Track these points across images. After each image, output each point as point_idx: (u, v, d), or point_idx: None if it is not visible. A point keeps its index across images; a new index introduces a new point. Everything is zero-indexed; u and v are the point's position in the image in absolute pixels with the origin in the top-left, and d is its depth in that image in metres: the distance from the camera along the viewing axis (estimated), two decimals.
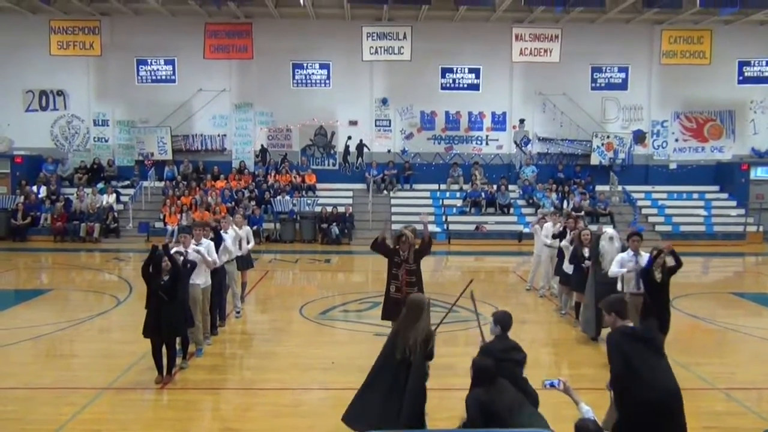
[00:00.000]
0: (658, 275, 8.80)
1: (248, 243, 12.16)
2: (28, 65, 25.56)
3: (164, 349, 8.37)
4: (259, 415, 7.51)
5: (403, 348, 6.09)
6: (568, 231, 12.16)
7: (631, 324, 5.74)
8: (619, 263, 9.42)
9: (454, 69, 26.15)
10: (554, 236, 12.88)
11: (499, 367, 5.51)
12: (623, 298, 6.32)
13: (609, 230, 10.63)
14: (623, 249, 9.89)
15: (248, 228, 12.51)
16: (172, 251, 8.89)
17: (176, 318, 8.31)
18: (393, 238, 9.25)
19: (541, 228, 13.90)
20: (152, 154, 25.81)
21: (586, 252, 10.78)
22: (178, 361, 8.83)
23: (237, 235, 11.64)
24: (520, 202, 25.22)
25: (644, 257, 9.21)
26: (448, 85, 26.25)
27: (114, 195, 24.36)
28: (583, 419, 4.75)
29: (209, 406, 7.88)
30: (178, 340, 8.73)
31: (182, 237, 9.57)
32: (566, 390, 5.36)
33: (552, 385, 5.41)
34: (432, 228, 23.42)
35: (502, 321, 6.27)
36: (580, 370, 9.43)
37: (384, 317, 9.26)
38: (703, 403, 7.99)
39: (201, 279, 9.39)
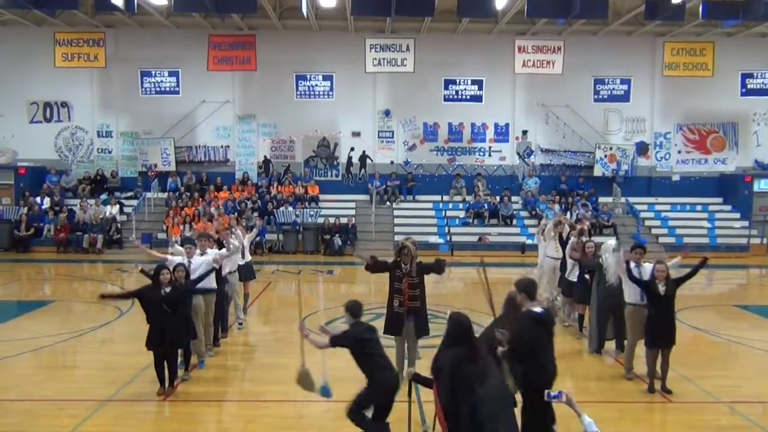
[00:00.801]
0: (662, 288, 8.67)
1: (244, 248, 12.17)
2: (33, 77, 25.69)
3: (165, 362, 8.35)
4: (261, 428, 7.49)
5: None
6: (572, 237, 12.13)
7: (538, 309, 6.27)
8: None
9: (457, 80, 26.22)
10: (562, 242, 12.75)
11: (363, 343, 6.48)
12: (535, 281, 6.86)
13: (611, 242, 10.45)
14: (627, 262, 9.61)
15: (249, 236, 12.56)
16: (174, 261, 8.94)
17: (178, 330, 8.30)
18: (395, 251, 9.11)
19: (560, 233, 13.55)
20: (156, 166, 25.87)
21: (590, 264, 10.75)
22: (180, 372, 8.80)
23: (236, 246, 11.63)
24: (523, 213, 25.19)
25: (646, 269, 9.13)
26: (450, 96, 26.31)
27: (117, 206, 24.40)
28: None
29: (212, 419, 7.85)
30: (180, 351, 8.72)
31: (187, 248, 9.58)
32: (569, 402, 5.34)
33: (554, 397, 5.38)
34: (435, 239, 23.45)
35: (352, 309, 6.86)
36: (584, 382, 9.38)
37: (387, 332, 9.08)
38: (708, 417, 7.95)
39: (207, 283, 9.40)
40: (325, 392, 7.02)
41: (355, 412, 6.54)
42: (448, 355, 5.55)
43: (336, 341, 6.71)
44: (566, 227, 13.58)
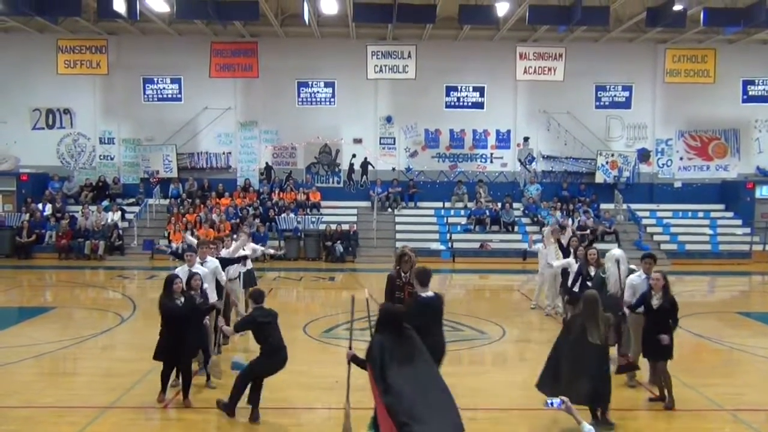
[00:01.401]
0: (656, 300, 8.49)
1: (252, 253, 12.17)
2: (35, 84, 25.76)
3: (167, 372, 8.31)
4: None
5: (598, 335, 7.29)
6: (572, 250, 12.15)
7: (428, 293, 7.46)
8: (631, 288, 9.11)
9: (459, 87, 26.25)
10: (562, 249, 12.77)
11: (261, 326, 7.72)
12: (428, 270, 7.65)
13: (615, 251, 10.15)
14: (630, 271, 9.59)
15: (252, 245, 12.53)
16: (177, 270, 8.94)
17: (193, 340, 8.31)
18: (395, 257, 8.97)
19: (560, 239, 13.71)
20: (157, 172, 25.90)
21: (592, 271, 10.72)
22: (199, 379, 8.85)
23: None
24: (525, 220, 25.17)
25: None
26: (452, 103, 26.34)
27: (119, 213, 24.41)
28: None
29: (212, 426, 7.81)
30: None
31: (188, 256, 9.57)
32: (568, 410, 5.32)
33: (553, 405, 5.36)
34: (436, 246, 23.44)
35: (254, 296, 8.03)
36: None
37: None
38: (711, 425, 7.91)
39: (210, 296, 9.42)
40: (236, 366, 8.07)
41: (244, 376, 7.78)
42: (378, 339, 6.11)
43: (238, 327, 8.15)
44: (568, 232, 13.62)
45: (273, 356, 7.83)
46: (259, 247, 13.95)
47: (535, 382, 7.76)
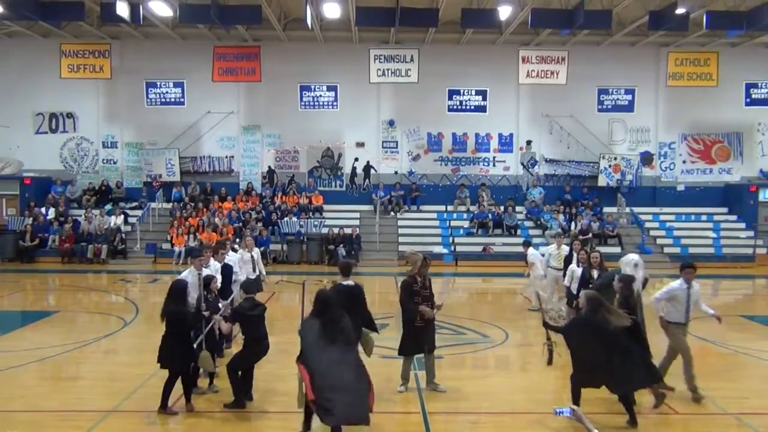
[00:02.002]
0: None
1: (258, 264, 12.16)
2: (39, 88, 25.83)
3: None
4: None
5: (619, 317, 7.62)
6: (575, 254, 12.14)
7: (349, 282, 8.86)
8: (667, 292, 8.85)
9: (461, 91, 26.27)
10: (565, 261, 12.80)
11: (248, 318, 8.14)
12: (350, 262, 9.77)
13: (633, 256, 9.81)
14: (645, 280, 9.45)
15: (258, 250, 12.53)
16: (184, 274, 8.98)
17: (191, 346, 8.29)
18: (414, 262, 8.89)
19: (558, 247, 13.90)
20: (160, 176, 25.94)
21: (595, 274, 10.69)
22: (202, 383, 8.82)
23: (243, 258, 11.67)
24: (528, 223, 25.15)
25: (696, 289, 8.83)
26: (455, 106, 26.36)
27: (122, 216, 24.44)
28: None
29: (215, 430, 7.80)
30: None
31: (199, 260, 9.55)
32: (578, 418, 5.30)
33: (564, 413, 5.33)
34: (439, 249, 23.43)
35: (244, 286, 8.53)
36: (590, 393, 9.30)
37: (409, 352, 8.95)
38: (715, 429, 7.88)
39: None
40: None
41: (232, 370, 8.15)
42: (310, 322, 7.08)
43: (230, 319, 8.46)
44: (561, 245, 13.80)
45: (256, 346, 8.26)
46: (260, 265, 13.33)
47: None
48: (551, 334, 8.39)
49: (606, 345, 7.49)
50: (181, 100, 26.21)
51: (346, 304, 7.90)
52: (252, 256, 12.32)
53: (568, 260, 12.75)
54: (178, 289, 8.10)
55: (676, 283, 8.85)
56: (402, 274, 20.37)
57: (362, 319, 8.60)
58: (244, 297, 8.39)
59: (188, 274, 9.23)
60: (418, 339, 8.79)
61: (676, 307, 8.72)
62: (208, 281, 8.95)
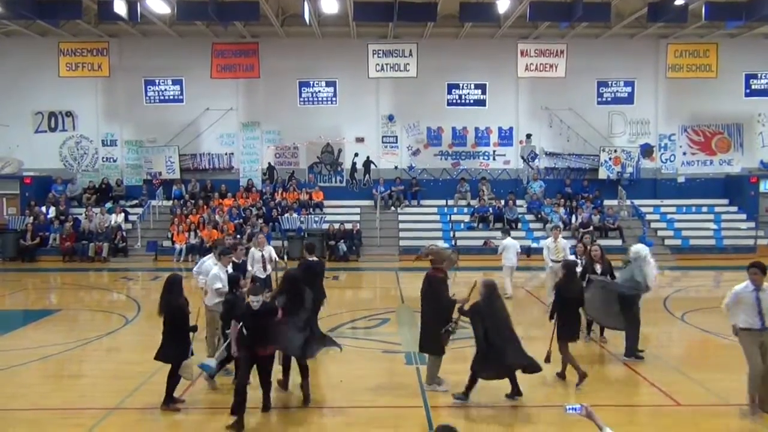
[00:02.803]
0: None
1: (272, 261, 12.13)
2: (38, 87, 25.80)
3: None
4: None
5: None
6: (577, 254, 12.22)
7: (313, 258, 10.78)
8: (733, 296, 8.05)
9: (460, 85, 26.22)
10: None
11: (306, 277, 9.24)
12: (313, 242, 11.85)
13: (644, 248, 10.26)
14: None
15: (270, 248, 12.48)
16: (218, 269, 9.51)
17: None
18: (441, 257, 9.25)
19: (555, 240, 13.96)
20: (160, 174, 25.93)
21: (598, 268, 10.69)
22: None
23: (254, 257, 11.68)
24: (528, 217, 25.13)
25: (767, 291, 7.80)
26: (454, 101, 26.32)
27: (122, 214, 24.44)
28: None
29: (218, 427, 7.79)
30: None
31: (228, 258, 9.89)
32: (589, 415, 5.26)
33: (574, 411, 5.30)
34: (440, 244, 23.37)
35: (253, 291, 8.04)
36: (593, 386, 9.31)
37: (441, 353, 8.85)
38: (718, 420, 7.88)
39: (215, 300, 9.43)
40: (205, 368, 8.49)
41: (222, 363, 8.77)
42: (281, 300, 8.07)
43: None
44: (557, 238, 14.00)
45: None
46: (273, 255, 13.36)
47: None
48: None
49: (494, 329, 8.07)
50: (180, 97, 26.18)
51: (309, 277, 9.53)
52: (263, 255, 12.29)
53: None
54: (174, 283, 8.13)
55: (741, 286, 7.96)
56: (404, 269, 20.46)
57: (318, 290, 9.97)
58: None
59: (218, 271, 9.44)
60: (446, 339, 8.71)
61: (747, 312, 7.82)
62: (235, 279, 9.00)
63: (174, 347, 8.03)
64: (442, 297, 8.68)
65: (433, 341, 8.66)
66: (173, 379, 8.13)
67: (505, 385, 8.30)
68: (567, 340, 9.05)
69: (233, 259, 10.29)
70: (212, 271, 9.59)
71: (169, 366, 8.15)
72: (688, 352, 11.39)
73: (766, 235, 24.30)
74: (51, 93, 25.86)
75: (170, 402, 8.09)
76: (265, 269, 11.94)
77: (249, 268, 11.39)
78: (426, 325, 8.74)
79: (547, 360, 8.90)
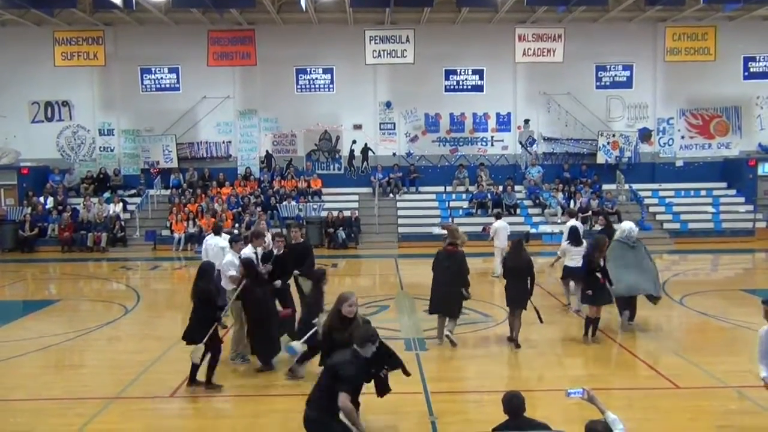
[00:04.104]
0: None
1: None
2: (33, 77, 25.67)
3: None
4: (269, 422, 7.47)
5: None
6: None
7: (300, 241, 11.22)
8: (764, 341, 7.00)
9: (458, 71, 26.12)
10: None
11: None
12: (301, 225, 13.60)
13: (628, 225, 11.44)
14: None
15: (269, 235, 12.48)
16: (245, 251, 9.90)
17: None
18: (464, 236, 10.73)
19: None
20: (158, 163, 25.87)
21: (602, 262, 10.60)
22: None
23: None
24: (527, 202, 25.12)
25: None
26: (451, 86, 26.22)
27: (120, 204, 24.40)
28: (593, 421, 4.69)
29: (219, 414, 7.84)
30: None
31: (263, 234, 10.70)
32: (590, 399, 5.28)
33: (576, 394, 5.31)
34: (438, 231, 23.40)
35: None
36: (592, 370, 9.36)
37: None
38: (716, 402, 7.92)
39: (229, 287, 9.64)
40: (290, 350, 8.51)
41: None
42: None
43: None
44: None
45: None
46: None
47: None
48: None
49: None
50: (177, 85, 26.06)
51: (297, 257, 10.39)
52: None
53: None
54: (207, 270, 8.59)
55: (764, 329, 6.98)
56: (403, 256, 20.49)
57: (306, 267, 10.43)
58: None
59: (249, 252, 9.82)
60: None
61: None
62: (249, 262, 9.29)
63: (200, 331, 8.24)
64: (464, 267, 10.15)
65: (457, 305, 10.13)
66: (213, 362, 8.39)
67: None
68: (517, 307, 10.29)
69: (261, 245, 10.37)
70: (226, 257, 9.87)
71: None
72: (686, 336, 11.42)
73: (765, 218, 24.33)
74: (47, 83, 25.72)
75: (210, 381, 8.40)
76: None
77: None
78: (449, 292, 10.04)
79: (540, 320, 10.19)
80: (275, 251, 10.33)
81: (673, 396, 8.09)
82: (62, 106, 26.17)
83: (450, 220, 24.14)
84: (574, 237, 12.41)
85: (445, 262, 10.18)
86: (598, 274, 10.19)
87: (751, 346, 10.49)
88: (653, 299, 11.18)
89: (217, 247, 11.17)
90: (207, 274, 8.57)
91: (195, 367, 8.36)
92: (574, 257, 12.12)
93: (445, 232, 11.42)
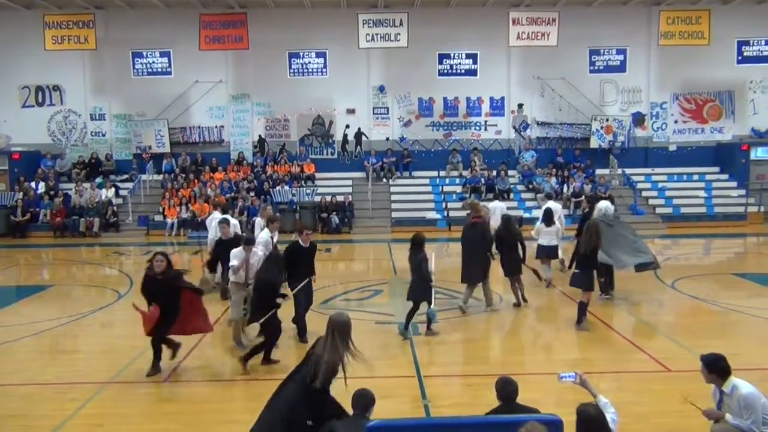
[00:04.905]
0: None
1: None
2: (23, 61, 25.44)
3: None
4: (263, 406, 7.48)
5: None
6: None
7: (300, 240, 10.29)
8: None
9: (452, 55, 26.02)
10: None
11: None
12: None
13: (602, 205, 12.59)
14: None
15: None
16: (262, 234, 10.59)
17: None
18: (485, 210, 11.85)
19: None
20: (150, 148, 25.74)
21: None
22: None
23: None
24: (520, 187, 25.14)
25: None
26: (445, 71, 26.13)
27: (113, 189, 24.30)
28: (584, 404, 4.72)
29: (213, 398, 7.85)
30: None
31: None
32: (583, 383, 5.31)
33: (568, 378, 5.35)
34: (432, 215, 23.46)
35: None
36: (584, 353, 9.41)
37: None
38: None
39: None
40: (432, 314, 9.87)
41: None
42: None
43: None
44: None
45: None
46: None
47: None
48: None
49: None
50: (168, 70, 25.87)
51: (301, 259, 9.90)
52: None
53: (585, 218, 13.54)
54: (271, 260, 8.95)
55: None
56: (397, 241, 20.53)
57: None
58: None
59: (267, 236, 10.46)
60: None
61: None
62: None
63: (259, 314, 8.46)
64: (488, 234, 11.51)
65: (483, 273, 11.21)
66: (270, 342, 8.70)
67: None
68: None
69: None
70: (262, 234, 10.68)
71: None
72: (678, 319, 11.49)
73: (757, 202, 24.43)
74: (37, 67, 25.49)
75: (269, 358, 8.75)
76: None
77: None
78: (475, 261, 11.11)
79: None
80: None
81: (664, 379, 8.15)
82: (53, 91, 25.96)
83: (443, 205, 24.22)
84: (547, 218, 13.58)
85: (468, 232, 11.39)
86: (591, 260, 10.31)
87: (741, 330, 10.62)
88: (649, 268, 11.99)
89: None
90: (271, 264, 8.84)
91: (254, 348, 8.68)
92: (546, 237, 13.52)
93: (468, 210, 13.45)
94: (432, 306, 9.80)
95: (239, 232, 12.08)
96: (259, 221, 12.42)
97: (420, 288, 9.82)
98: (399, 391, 7.75)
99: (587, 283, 10.33)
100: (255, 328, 8.52)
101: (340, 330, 5.65)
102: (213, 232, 12.44)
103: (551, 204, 14.69)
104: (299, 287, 9.57)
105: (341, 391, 5.68)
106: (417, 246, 9.91)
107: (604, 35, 25.89)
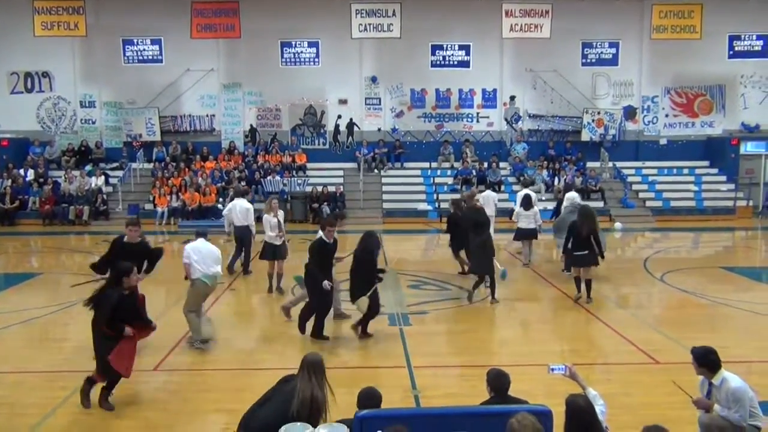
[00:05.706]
0: None
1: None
2: (12, 47, 25.17)
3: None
4: (254, 396, 7.43)
5: None
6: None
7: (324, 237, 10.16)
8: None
9: (444, 46, 25.96)
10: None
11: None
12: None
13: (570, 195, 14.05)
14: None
15: (282, 212, 12.78)
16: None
17: None
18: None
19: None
20: (140, 136, 25.57)
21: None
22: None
23: (271, 223, 11.94)
24: (511, 179, 25.17)
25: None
26: (438, 62, 26.08)
27: (102, 177, 24.15)
28: (573, 395, 4.75)
29: (203, 388, 7.85)
30: None
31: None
32: (572, 375, 5.35)
33: (558, 371, 5.38)
34: (423, 206, 23.48)
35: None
36: (572, 344, 9.47)
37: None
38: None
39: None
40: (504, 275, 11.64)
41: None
42: None
43: None
44: None
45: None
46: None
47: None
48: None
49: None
50: (159, 57, 25.69)
51: (326, 257, 9.80)
52: (279, 221, 12.36)
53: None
54: (368, 238, 9.57)
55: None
56: (388, 232, 20.54)
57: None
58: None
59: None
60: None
61: None
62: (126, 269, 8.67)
63: (362, 289, 9.14)
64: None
65: (486, 264, 11.22)
66: (367, 317, 9.30)
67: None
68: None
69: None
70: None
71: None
72: (666, 312, 11.58)
73: (746, 196, 24.59)
74: (26, 53, 25.21)
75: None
76: (280, 236, 12.01)
77: (269, 233, 12.14)
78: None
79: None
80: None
81: (652, 371, 8.22)
82: (42, 77, 25.71)
83: (435, 196, 24.24)
84: (526, 203, 14.50)
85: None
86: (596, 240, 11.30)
87: (728, 323, 10.71)
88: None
89: (243, 208, 13.45)
90: (368, 242, 9.41)
91: (364, 316, 9.30)
92: (524, 220, 14.41)
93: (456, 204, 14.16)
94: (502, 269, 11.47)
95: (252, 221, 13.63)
96: (267, 218, 12.37)
97: (485, 263, 11.06)
98: (389, 381, 7.77)
99: (594, 259, 11.25)
100: (364, 301, 9.11)
101: (314, 369, 5.45)
102: (240, 219, 13.43)
103: (528, 190, 15.54)
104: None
105: (346, 390, 5.67)
106: (480, 227, 11.15)
107: (596, 28, 25.89)
